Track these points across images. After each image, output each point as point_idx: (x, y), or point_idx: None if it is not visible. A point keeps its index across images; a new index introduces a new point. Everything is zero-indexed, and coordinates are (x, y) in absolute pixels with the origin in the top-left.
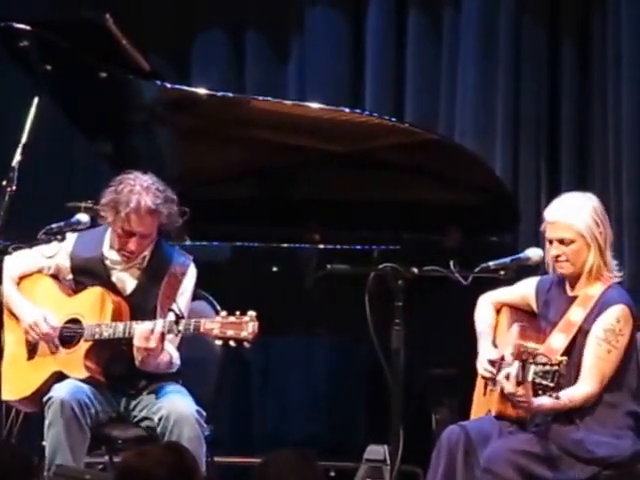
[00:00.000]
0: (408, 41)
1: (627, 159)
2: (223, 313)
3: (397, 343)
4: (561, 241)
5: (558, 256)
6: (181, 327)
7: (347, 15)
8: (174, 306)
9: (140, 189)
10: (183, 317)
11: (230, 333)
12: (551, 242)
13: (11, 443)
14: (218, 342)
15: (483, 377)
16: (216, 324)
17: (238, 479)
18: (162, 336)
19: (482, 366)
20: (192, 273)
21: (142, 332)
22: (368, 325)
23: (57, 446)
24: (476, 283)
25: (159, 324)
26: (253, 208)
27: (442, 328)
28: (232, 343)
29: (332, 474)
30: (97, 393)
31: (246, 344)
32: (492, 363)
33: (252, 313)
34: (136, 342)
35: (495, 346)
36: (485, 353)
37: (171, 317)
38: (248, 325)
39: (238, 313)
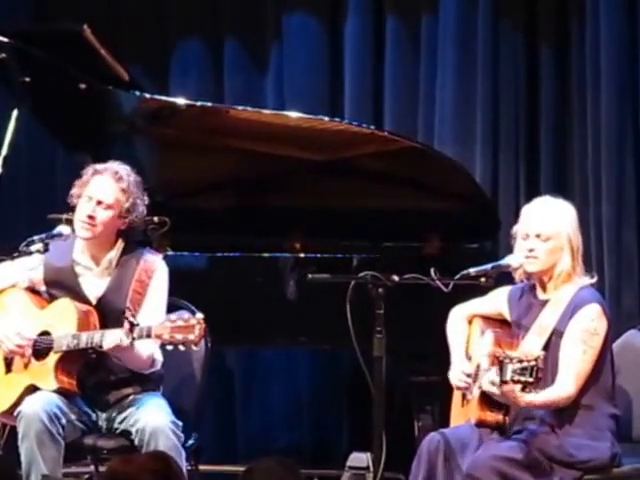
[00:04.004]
0: (386, 48)
1: (606, 166)
2: (172, 317)
3: (379, 351)
4: (538, 235)
5: (532, 250)
6: (135, 334)
7: (325, 22)
8: (127, 313)
9: (106, 166)
10: (137, 325)
11: (179, 337)
12: (527, 237)
13: None
14: (169, 347)
15: (458, 388)
16: (166, 329)
17: None
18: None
19: (457, 377)
20: (162, 268)
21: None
22: (350, 333)
23: (31, 459)
24: (457, 290)
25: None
26: (233, 218)
27: (424, 335)
28: (181, 347)
29: None
30: (69, 403)
31: (193, 347)
32: (468, 375)
33: (200, 316)
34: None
35: (468, 356)
36: (459, 365)
37: (126, 325)
38: (195, 328)
39: (186, 316)
